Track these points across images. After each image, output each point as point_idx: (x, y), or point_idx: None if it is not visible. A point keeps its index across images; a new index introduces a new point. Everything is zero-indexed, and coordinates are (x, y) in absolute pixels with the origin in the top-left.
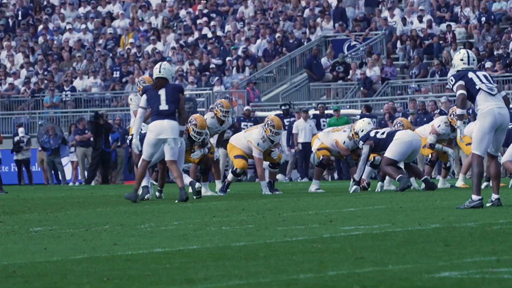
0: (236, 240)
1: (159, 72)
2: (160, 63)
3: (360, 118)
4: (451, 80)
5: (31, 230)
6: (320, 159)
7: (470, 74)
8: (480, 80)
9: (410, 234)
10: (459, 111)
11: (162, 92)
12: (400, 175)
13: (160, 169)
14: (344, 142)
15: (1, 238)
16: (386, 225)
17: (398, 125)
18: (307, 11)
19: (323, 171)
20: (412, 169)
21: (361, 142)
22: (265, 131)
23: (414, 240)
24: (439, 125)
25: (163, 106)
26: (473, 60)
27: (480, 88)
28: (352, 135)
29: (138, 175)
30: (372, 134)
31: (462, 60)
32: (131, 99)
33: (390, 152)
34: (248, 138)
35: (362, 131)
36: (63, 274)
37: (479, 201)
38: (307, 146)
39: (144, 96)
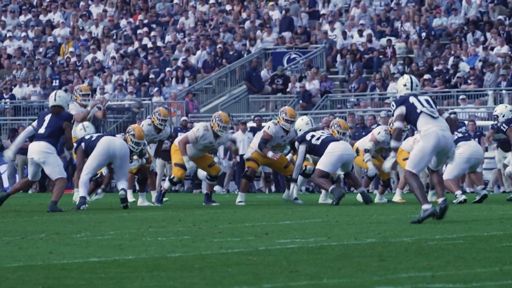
0: (172, 251)
1: (54, 100)
2: (55, 91)
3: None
4: (392, 105)
5: None
6: (245, 170)
7: (412, 99)
8: (422, 104)
9: (345, 248)
10: (393, 143)
11: (47, 118)
12: (332, 187)
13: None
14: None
15: None
16: (322, 238)
17: (335, 125)
18: (247, 23)
19: (249, 183)
20: (351, 178)
21: (296, 143)
22: (212, 126)
23: (350, 254)
24: (379, 132)
25: (41, 130)
26: (416, 85)
27: (421, 111)
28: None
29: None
30: (308, 137)
31: (405, 85)
32: (70, 108)
33: (322, 164)
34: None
35: (299, 130)
36: None
37: (431, 208)
38: None
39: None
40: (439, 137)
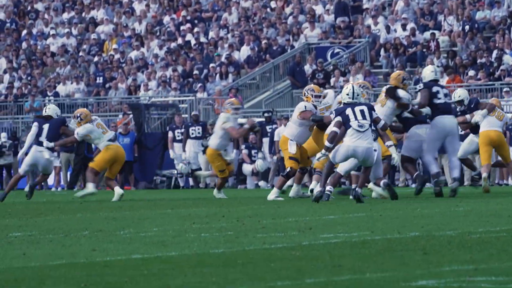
0: (215, 247)
1: (45, 112)
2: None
3: None
4: (332, 113)
5: (10, 235)
6: (288, 170)
7: (348, 111)
8: (355, 117)
9: (389, 242)
10: (327, 143)
11: (45, 126)
12: (417, 173)
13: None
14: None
15: None
16: (365, 233)
17: None
18: (290, 18)
19: (287, 181)
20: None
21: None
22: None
23: (393, 248)
24: None
25: (42, 138)
26: (357, 95)
27: (351, 126)
28: None
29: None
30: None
31: (348, 95)
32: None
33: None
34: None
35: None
36: (41, 280)
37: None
38: None
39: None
40: (348, 150)
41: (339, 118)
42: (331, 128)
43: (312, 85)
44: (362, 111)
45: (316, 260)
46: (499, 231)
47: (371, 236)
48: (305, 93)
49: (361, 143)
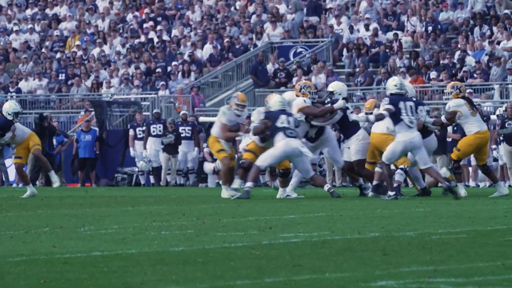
0: (175, 245)
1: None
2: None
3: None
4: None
5: None
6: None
7: (401, 104)
8: (406, 112)
9: (349, 242)
10: (372, 118)
11: None
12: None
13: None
14: None
15: None
16: (325, 232)
17: None
18: (254, 17)
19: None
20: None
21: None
22: (230, 105)
23: (353, 249)
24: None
25: None
26: (405, 86)
27: (402, 120)
28: None
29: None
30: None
31: (396, 85)
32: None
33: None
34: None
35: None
36: (1, 276)
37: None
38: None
39: None
40: (405, 145)
41: (391, 107)
42: (381, 111)
43: (305, 81)
44: (411, 107)
45: (276, 259)
46: (459, 232)
47: (331, 236)
48: (300, 90)
49: (413, 132)
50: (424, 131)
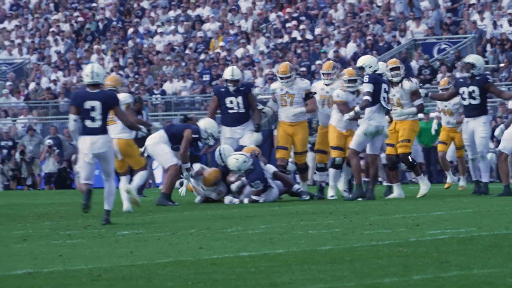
0: (322, 244)
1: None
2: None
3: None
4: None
5: (118, 234)
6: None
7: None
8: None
9: (496, 238)
10: None
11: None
12: None
13: None
14: None
15: (88, 241)
16: (473, 229)
17: None
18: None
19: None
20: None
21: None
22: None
23: (500, 244)
24: None
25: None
26: None
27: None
28: None
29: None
30: None
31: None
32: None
33: None
34: None
35: None
36: (148, 278)
37: None
38: None
39: None
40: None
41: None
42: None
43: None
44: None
45: (423, 256)
46: None
47: (478, 232)
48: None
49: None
50: None
